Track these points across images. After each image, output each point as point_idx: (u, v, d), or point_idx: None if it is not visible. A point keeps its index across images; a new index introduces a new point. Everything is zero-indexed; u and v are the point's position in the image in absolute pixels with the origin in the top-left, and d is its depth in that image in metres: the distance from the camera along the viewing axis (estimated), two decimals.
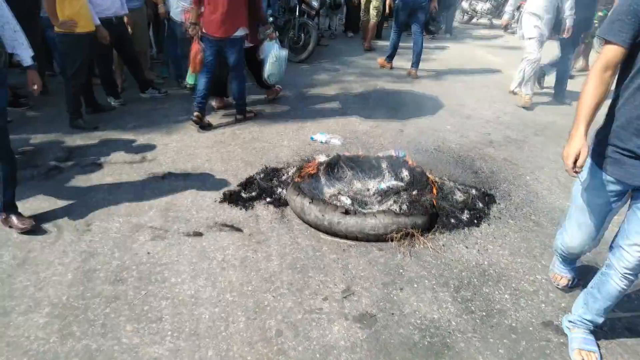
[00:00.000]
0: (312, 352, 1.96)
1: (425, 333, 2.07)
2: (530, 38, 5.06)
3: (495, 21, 11.76)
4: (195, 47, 4.21)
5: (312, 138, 4.22)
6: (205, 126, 4.41)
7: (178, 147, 3.98)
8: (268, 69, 4.75)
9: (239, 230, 2.81)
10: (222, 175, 3.50)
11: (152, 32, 6.48)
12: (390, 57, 6.91)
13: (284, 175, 3.43)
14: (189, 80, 4.88)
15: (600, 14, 6.03)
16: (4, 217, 2.73)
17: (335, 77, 6.49)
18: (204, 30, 4.16)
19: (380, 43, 8.72)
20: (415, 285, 2.38)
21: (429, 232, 2.79)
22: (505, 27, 5.47)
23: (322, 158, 3.57)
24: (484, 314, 2.21)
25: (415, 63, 6.52)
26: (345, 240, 2.71)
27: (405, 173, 3.24)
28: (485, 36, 10.43)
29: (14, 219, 2.71)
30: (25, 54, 2.79)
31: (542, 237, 2.85)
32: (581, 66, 7.03)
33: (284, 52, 4.87)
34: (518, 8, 5.28)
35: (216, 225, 2.86)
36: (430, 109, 5.22)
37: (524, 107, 5.29)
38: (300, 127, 4.53)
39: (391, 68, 6.93)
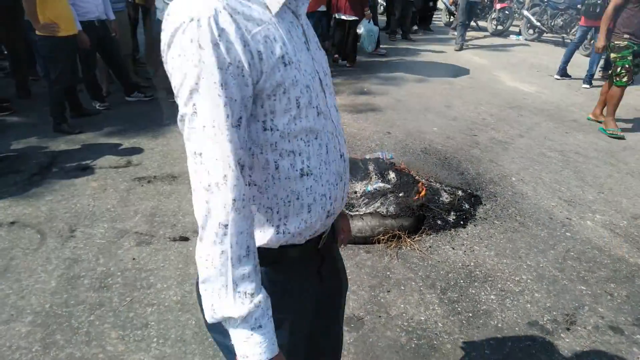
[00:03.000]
0: None
1: (412, 335, 2.08)
2: None
3: (481, 23, 11.89)
4: None
5: None
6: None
7: (164, 151, 3.95)
8: (364, 40, 6.44)
9: None
10: None
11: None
12: None
13: None
14: None
15: None
16: None
17: None
18: None
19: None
20: (402, 288, 2.39)
21: (416, 234, 2.81)
22: None
23: None
24: (470, 315, 2.22)
25: None
26: None
27: (392, 175, 3.26)
28: (470, 38, 10.52)
29: None
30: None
31: (527, 237, 2.88)
32: None
33: (376, 28, 6.61)
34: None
35: None
36: (417, 111, 5.25)
37: None
38: None
39: None
